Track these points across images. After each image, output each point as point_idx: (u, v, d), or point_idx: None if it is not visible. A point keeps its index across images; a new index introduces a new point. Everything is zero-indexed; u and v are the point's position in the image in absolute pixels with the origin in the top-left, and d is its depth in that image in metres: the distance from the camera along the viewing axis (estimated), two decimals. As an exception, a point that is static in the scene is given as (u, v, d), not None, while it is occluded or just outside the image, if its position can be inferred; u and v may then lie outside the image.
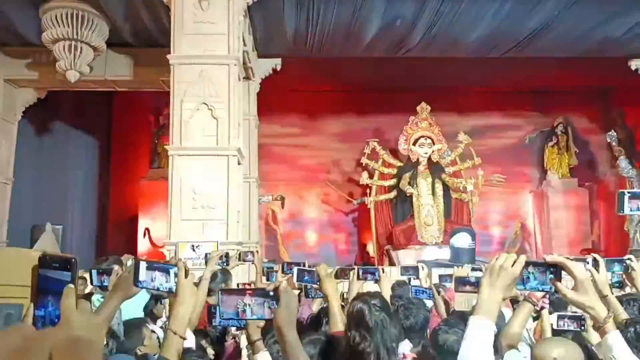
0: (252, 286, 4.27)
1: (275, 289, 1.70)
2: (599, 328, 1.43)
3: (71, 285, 1.04)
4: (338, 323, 2.23)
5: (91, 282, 3.10)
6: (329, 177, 14.32)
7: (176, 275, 1.87)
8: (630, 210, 2.12)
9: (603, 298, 2.47)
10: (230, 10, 7.32)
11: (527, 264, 1.44)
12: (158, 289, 1.94)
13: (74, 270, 1.11)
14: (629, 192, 2.13)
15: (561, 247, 12.86)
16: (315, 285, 2.73)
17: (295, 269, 2.98)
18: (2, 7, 8.44)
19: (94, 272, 3.01)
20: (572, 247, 13.08)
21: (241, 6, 7.57)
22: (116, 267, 3.10)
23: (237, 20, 7.42)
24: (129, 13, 8.72)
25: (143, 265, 1.91)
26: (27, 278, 1.06)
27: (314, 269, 2.82)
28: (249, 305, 1.71)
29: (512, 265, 1.42)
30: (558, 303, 3.42)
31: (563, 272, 1.46)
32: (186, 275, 1.82)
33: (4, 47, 9.88)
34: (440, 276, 5.62)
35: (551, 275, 1.45)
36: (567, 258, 2.52)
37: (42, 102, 10.65)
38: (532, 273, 1.46)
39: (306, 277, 2.99)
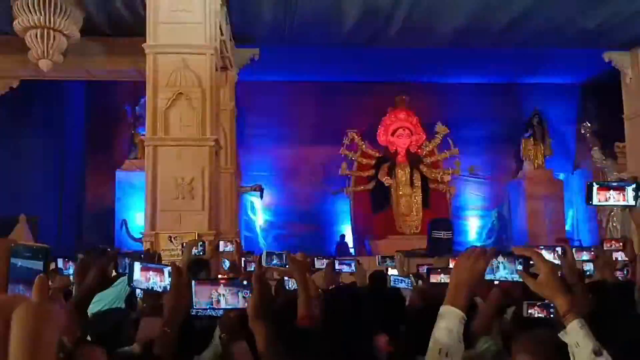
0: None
1: (249, 278, 1.71)
2: (563, 317, 1.47)
3: (43, 275, 1.03)
4: (301, 306, 2.21)
5: (56, 270, 3.09)
6: (307, 168, 14.31)
7: (170, 274, 1.88)
8: (599, 202, 2.15)
9: (572, 286, 2.53)
10: (207, -2, 7.24)
11: (497, 253, 1.48)
12: (152, 289, 1.94)
13: (45, 259, 1.10)
14: (597, 184, 2.16)
15: (537, 236, 13.06)
16: (283, 269, 2.74)
17: (264, 252, 2.97)
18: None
19: (59, 260, 3.00)
20: (548, 236, 13.29)
21: (219, -5, 7.49)
22: (80, 255, 3.09)
23: (214, 9, 7.35)
24: (103, 1, 8.56)
25: (137, 265, 1.91)
26: None
27: (282, 252, 2.82)
28: (223, 295, 1.71)
29: (481, 258, 1.46)
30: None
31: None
32: (180, 275, 1.83)
33: (-25, 35, 9.63)
34: (418, 265, 5.68)
35: (519, 266, 1.49)
36: (538, 247, 2.58)
37: (15, 91, 10.42)
38: (502, 262, 1.50)
39: (274, 261, 2.99)
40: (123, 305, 3.90)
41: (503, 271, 1.51)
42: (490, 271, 1.49)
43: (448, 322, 1.40)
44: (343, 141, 12.62)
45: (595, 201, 2.16)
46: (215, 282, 1.76)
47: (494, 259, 1.49)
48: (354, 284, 3.55)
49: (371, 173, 12.68)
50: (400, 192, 12.18)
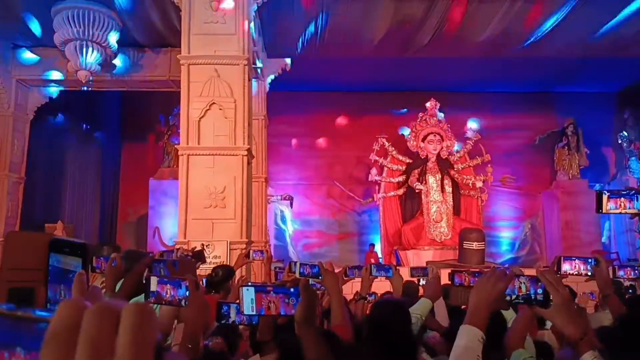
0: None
1: (297, 286, 1.73)
2: (576, 346, 1.49)
3: (82, 271, 1.05)
4: (338, 317, 2.21)
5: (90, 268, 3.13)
6: (337, 176, 14.32)
7: (187, 288, 1.90)
8: (610, 209, 2.12)
9: (605, 297, 2.48)
10: (240, 10, 7.35)
11: (518, 275, 1.52)
12: (170, 303, 1.96)
13: (85, 256, 1.12)
14: (607, 192, 2.14)
15: (571, 248, 12.76)
16: (317, 280, 2.74)
17: (297, 263, 2.98)
18: (14, 9, 8.53)
19: (90, 255, 3.04)
20: (583, 248, 12.97)
21: (251, 6, 7.60)
22: (113, 254, 3.14)
23: (248, 21, 7.44)
24: (139, 13, 8.78)
25: (154, 279, 1.94)
26: (39, 262, 1.06)
27: (316, 263, 2.83)
28: (273, 302, 1.74)
29: (501, 279, 1.49)
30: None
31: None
32: (197, 288, 1.85)
33: (17, 48, 9.98)
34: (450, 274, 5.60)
35: (541, 291, 1.52)
36: (572, 259, 2.53)
37: (54, 101, 10.75)
38: (524, 283, 1.52)
39: (307, 272, 2.99)
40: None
41: (524, 291, 1.54)
42: (512, 291, 1.52)
43: (467, 341, 1.44)
44: (373, 147, 12.57)
45: (604, 209, 2.14)
46: (263, 288, 1.79)
47: (516, 280, 1.52)
48: (389, 293, 3.54)
49: (401, 179, 12.60)
50: (431, 199, 12.06)
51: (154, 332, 0.46)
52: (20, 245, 1.09)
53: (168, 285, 1.97)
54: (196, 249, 4.91)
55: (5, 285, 1.05)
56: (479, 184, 12.00)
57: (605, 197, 2.10)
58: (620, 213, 2.13)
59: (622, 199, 2.13)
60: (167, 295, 1.96)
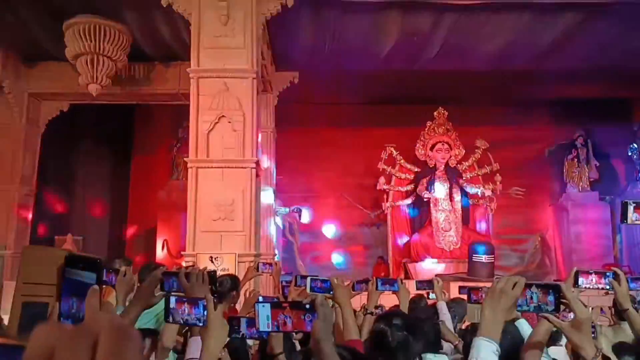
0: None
1: (313, 302, 1.72)
2: None
3: (96, 286, 1.06)
4: (351, 332, 2.21)
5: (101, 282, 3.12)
6: (346, 189, 14.31)
7: (205, 308, 1.89)
8: (635, 220, 2.10)
9: (624, 311, 2.44)
10: (249, 24, 7.41)
11: (530, 285, 1.49)
12: (187, 322, 1.95)
13: (99, 271, 1.13)
14: (634, 202, 2.11)
15: (582, 261, 12.64)
16: (328, 295, 2.73)
17: (308, 279, 2.97)
18: (26, 23, 8.65)
19: (104, 270, 3.04)
20: (594, 261, 12.85)
21: (260, 20, 7.66)
22: (123, 267, 3.12)
23: (256, 35, 7.50)
24: (149, 27, 8.88)
25: (173, 299, 1.94)
26: (53, 277, 1.07)
27: (327, 278, 2.81)
28: (290, 317, 1.73)
29: (512, 288, 1.48)
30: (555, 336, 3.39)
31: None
32: (215, 308, 1.83)
33: (28, 62, 10.11)
34: (460, 287, 5.57)
35: (551, 297, 1.49)
36: (589, 272, 2.50)
37: (64, 115, 10.85)
38: (535, 293, 1.50)
39: (318, 287, 2.98)
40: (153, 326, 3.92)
41: (536, 302, 1.51)
42: (524, 302, 1.50)
43: (484, 354, 1.42)
44: (381, 156, 12.56)
45: (629, 220, 2.11)
46: (279, 304, 1.78)
47: (527, 290, 1.50)
48: (397, 307, 3.51)
49: (410, 188, 12.56)
50: (440, 207, 12.01)
51: (133, 355, 0.45)
52: (35, 260, 1.11)
53: (186, 304, 1.96)
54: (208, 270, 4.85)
55: (20, 299, 1.06)
56: (488, 193, 11.94)
57: (631, 208, 2.08)
58: None
59: None
60: (185, 314, 1.95)
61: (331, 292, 2.63)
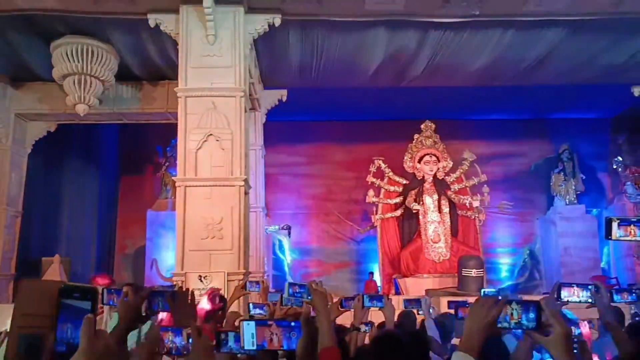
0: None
1: (297, 320, 1.73)
2: None
3: (90, 315, 1.09)
4: (324, 339, 2.17)
5: (102, 301, 3.11)
6: (335, 206, 14.34)
7: (189, 336, 1.89)
8: (620, 237, 2.13)
9: (606, 324, 2.48)
10: (236, 43, 7.46)
11: (510, 302, 1.52)
12: (170, 351, 1.95)
13: (94, 300, 1.16)
14: (617, 219, 2.15)
15: (570, 274, 12.71)
16: (306, 300, 2.73)
17: (286, 283, 2.96)
18: (13, 44, 8.65)
19: (105, 290, 3.04)
20: (583, 273, 12.93)
21: (247, 39, 7.72)
22: (125, 288, 3.11)
23: (244, 53, 7.55)
24: (137, 47, 8.90)
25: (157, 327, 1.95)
26: (49, 308, 1.10)
27: (305, 283, 2.81)
28: (276, 334, 1.74)
29: (492, 306, 1.52)
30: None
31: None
32: (199, 335, 1.83)
33: (15, 82, 10.09)
34: (449, 302, 5.60)
35: (532, 314, 1.51)
36: (571, 285, 2.53)
37: (52, 135, 10.81)
38: (515, 309, 1.53)
39: (297, 292, 2.97)
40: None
41: (516, 319, 1.54)
42: (504, 318, 1.53)
43: None
44: (370, 169, 12.60)
45: (614, 236, 2.14)
46: (264, 322, 1.78)
47: (508, 307, 1.53)
48: (384, 323, 3.52)
49: (398, 200, 12.60)
50: (428, 219, 12.07)
51: None
52: (31, 292, 1.15)
53: (169, 332, 1.95)
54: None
55: (17, 330, 1.10)
56: (476, 204, 12.01)
57: (615, 224, 2.11)
58: (630, 241, 2.15)
59: (632, 226, 2.14)
60: (169, 343, 1.94)
61: (309, 297, 2.63)
